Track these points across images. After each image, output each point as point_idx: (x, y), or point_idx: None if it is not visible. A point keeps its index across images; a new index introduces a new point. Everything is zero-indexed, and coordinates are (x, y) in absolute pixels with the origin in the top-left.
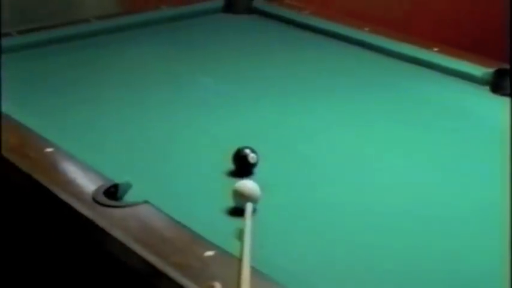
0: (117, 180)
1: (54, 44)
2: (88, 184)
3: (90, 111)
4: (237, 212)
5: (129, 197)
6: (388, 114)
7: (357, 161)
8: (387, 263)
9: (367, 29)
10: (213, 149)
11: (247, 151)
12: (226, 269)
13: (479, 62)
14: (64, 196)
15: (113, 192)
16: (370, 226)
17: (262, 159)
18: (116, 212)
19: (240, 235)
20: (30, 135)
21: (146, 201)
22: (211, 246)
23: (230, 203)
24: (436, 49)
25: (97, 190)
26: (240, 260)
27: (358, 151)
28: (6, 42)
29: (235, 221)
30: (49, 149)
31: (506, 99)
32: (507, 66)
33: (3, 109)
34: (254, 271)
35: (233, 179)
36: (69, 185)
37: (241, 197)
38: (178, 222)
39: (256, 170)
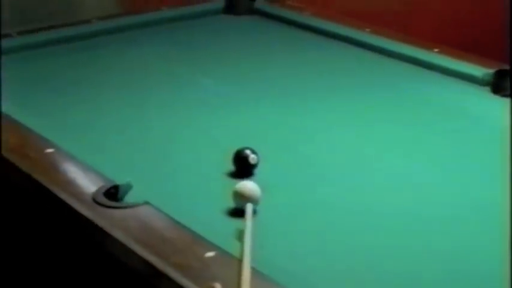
0: (118, 180)
1: (55, 44)
2: (88, 185)
3: (91, 111)
4: (238, 212)
5: (129, 198)
6: (388, 114)
7: (357, 161)
8: (387, 263)
9: (367, 29)
10: (214, 150)
11: (248, 152)
12: (227, 269)
13: (479, 62)
14: (64, 197)
15: (113, 193)
16: (370, 226)
17: (263, 160)
18: (116, 213)
19: (240, 236)
20: (31, 136)
21: (146, 202)
22: (211, 246)
23: (230, 203)
24: (436, 50)
25: (97, 191)
26: (240, 261)
27: (359, 151)
28: (6, 43)
29: (235, 222)
30: (49, 150)
31: (507, 100)
32: (507, 67)
33: (4, 109)
34: (254, 272)
35: (233, 180)
36: (70, 185)
37: (241, 198)
38: (179, 223)
39: (256, 170)
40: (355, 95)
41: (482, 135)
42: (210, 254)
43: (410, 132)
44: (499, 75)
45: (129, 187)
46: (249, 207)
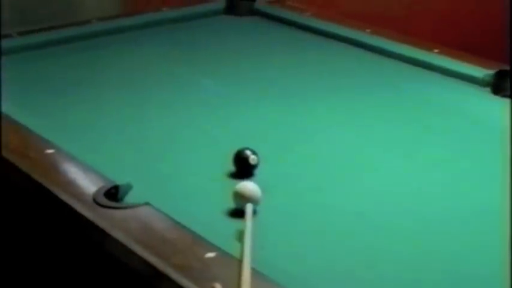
0: (118, 181)
1: (55, 45)
2: (89, 185)
3: (91, 112)
4: (238, 213)
5: (129, 199)
6: (388, 115)
7: (357, 162)
8: (387, 264)
9: (368, 30)
10: (214, 150)
11: (248, 153)
12: (227, 270)
13: (479, 63)
14: (64, 197)
15: (113, 194)
16: (370, 227)
17: (263, 160)
18: (117, 214)
19: (240, 236)
20: (31, 136)
21: (147, 203)
22: (212, 247)
23: (231, 204)
24: (436, 50)
25: (98, 191)
26: (240, 261)
27: (359, 152)
28: (6, 43)
29: (235, 222)
30: (49, 150)
31: (507, 101)
32: (508, 67)
33: (4, 110)
34: (254, 272)
35: (234, 181)
36: (70, 186)
37: (241, 199)
38: (179, 224)
39: (256, 171)
40: (355, 96)
41: (482, 136)
42: (211, 254)
43: (411, 133)
44: (499, 75)
45: (129, 187)
46: (249, 208)
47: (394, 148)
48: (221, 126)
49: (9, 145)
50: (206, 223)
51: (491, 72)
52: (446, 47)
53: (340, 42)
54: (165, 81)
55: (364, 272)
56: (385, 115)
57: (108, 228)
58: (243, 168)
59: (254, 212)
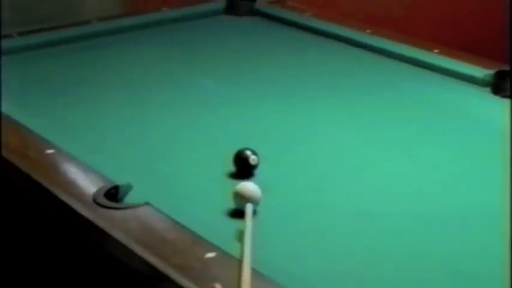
0: (118, 181)
1: (55, 45)
2: (89, 186)
3: (91, 112)
4: (238, 213)
5: (129, 199)
6: (388, 115)
7: (357, 162)
8: (387, 265)
9: (368, 30)
10: (214, 150)
11: (248, 153)
12: (227, 270)
13: (479, 63)
14: (65, 197)
15: (113, 194)
16: (370, 227)
17: (263, 160)
18: (117, 214)
19: (240, 236)
20: (31, 136)
21: (147, 203)
22: (212, 247)
23: (231, 204)
24: (436, 51)
25: (98, 192)
26: (240, 262)
27: (359, 152)
28: (6, 43)
29: (235, 223)
30: (50, 150)
31: (507, 101)
32: (508, 67)
33: (4, 110)
34: (254, 272)
35: (234, 181)
36: (70, 186)
37: (241, 199)
38: (179, 224)
39: (256, 171)
40: (355, 96)
41: (482, 136)
42: (211, 254)
43: (411, 133)
44: (499, 76)
45: (129, 187)
46: (249, 208)
47: (394, 148)
48: (221, 127)
49: (9, 145)
50: (206, 223)
51: (491, 72)
52: (446, 47)
53: (341, 43)
54: (165, 81)
55: (364, 271)
56: (385, 115)
57: (108, 229)
58: (243, 168)
59: (254, 212)
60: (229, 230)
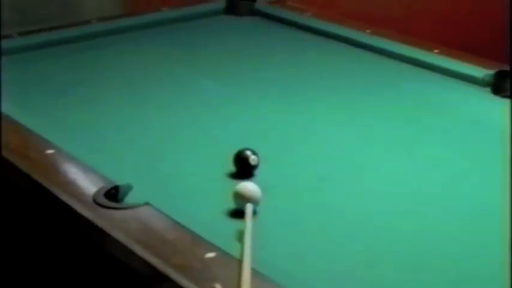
0: (118, 181)
1: (55, 45)
2: (89, 186)
3: (91, 112)
4: (238, 213)
5: (129, 199)
6: (388, 115)
7: (357, 162)
8: (387, 265)
9: (368, 30)
10: (214, 150)
11: (248, 153)
12: (227, 270)
13: (479, 63)
14: (65, 198)
15: (113, 194)
16: (370, 228)
17: (263, 160)
18: (117, 214)
19: (240, 237)
20: (31, 137)
21: (147, 203)
22: (212, 247)
23: (231, 204)
24: (436, 51)
25: (98, 192)
26: (240, 262)
27: (359, 152)
28: (6, 43)
29: (235, 223)
30: (50, 151)
31: (507, 101)
32: (508, 67)
33: (4, 110)
34: (254, 272)
35: (234, 181)
36: (70, 186)
37: (241, 199)
38: (179, 224)
39: (256, 171)
40: (355, 96)
41: (482, 136)
42: (211, 254)
43: (411, 133)
44: (499, 76)
45: (129, 188)
46: (249, 208)
47: (394, 148)
48: (221, 127)
49: (10, 145)
50: (206, 223)
51: (491, 72)
52: (447, 47)
53: (341, 43)
54: (165, 81)
55: (364, 272)
56: (385, 115)
57: (108, 229)
58: (243, 168)
59: (254, 212)
60: (229, 230)
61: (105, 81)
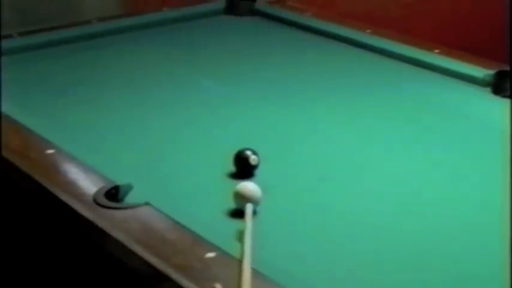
0: (118, 181)
1: (55, 45)
2: (89, 186)
3: (91, 112)
4: (238, 213)
5: (130, 199)
6: (388, 115)
7: (357, 162)
8: (387, 265)
9: (368, 30)
10: (214, 150)
11: (249, 153)
12: (227, 270)
13: (480, 63)
14: (65, 198)
15: (113, 194)
16: (370, 228)
17: (263, 160)
18: (117, 214)
19: (240, 237)
20: (31, 137)
21: (147, 203)
22: (212, 247)
23: (231, 204)
24: (437, 51)
25: (98, 192)
26: (240, 262)
27: (359, 152)
28: (7, 43)
29: (236, 223)
30: (50, 151)
31: (507, 101)
32: (508, 67)
33: (4, 110)
34: (255, 272)
35: (234, 181)
36: (70, 186)
37: (242, 199)
38: (179, 224)
39: (257, 171)
40: (355, 96)
41: (482, 136)
42: (211, 254)
43: (411, 133)
44: (500, 76)
45: (129, 187)
46: (249, 208)
47: (394, 148)
48: (221, 126)
49: (10, 145)
50: (206, 223)
51: (491, 72)
52: (447, 47)
53: (341, 43)
54: (165, 81)
55: (364, 272)
56: (386, 115)
57: (109, 229)
58: (243, 168)
59: (254, 212)
60: (230, 230)
61: (105, 81)
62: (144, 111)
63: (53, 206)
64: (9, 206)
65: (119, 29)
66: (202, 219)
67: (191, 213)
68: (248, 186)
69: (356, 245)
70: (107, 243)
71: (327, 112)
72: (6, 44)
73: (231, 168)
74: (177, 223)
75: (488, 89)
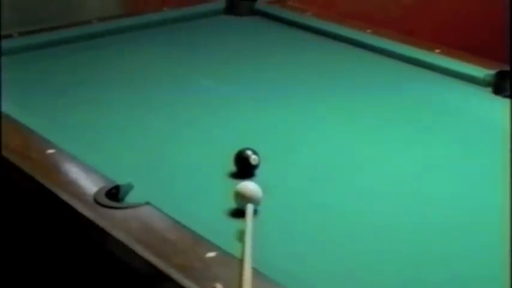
0: (119, 181)
1: (56, 45)
2: (90, 185)
3: (92, 112)
4: (238, 213)
5: (130, 198)
6: (389, 115)
7: (358, 162)
8: (388, 265)
9: (369, 30)
10: (215, 150)
11: (249, 153)
12: (228, 270)
13: (480, 63)
14: (65, 197)
15: (114, 194)
16: (371, 228)
17: (264, 160)
18: (118, 214)
19: (241, 236)
20: (32, 137)
21: (148, 203)
22: (212, 247)
23: (231, 204)
24: (437, 51)
25: (98, 191)
26: (241, 261)
27: (360, 152)
28: (7, 43)
29: (236, 222)
30: (51, 150)
31: (508, 101)
32: (508, 67)
33: (5, 110)
34: (255, 272)
35: (235, 181)
36: (71, 186)
37: (242, 199)
38: (180, 223)
39: (257, 171)
40: (356, 96)
41: (483, 136)
42: (211, 254)
43: (411, 133)
44: (500, 76)
45: (130, 187)
46: (249, 208)
47: (394, 148)
48: (221, 126)
49: (10, 145)
50: (207, 223)
51: (492, 72)
52: (447, 47)
53: (341, 43)
54: (166, 81)
55: (364, 272)
56: (386, 115)
57: (109, 228)
58: (244, 168)
59: (255, 212)
60: (230, 230)
61: (105, 81)
62: (144, 111)
63: (54, 206)
64: (9, 206)
65: (119, 29)
66: (203, 218)
67: (192, 212)
68: (249, 186)
69: (356, 245)
70: (108, 242)
71: (327, 112)
72: (6, 44)
73: (232, 168)
74: (178, 223)
75: (489, 89)
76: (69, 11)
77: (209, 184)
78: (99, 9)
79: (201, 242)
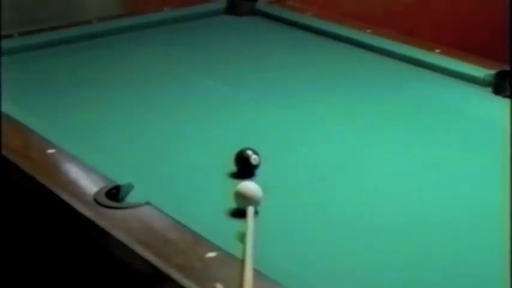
0: (119, 181)
1: (56, 45)
2: (90, 185)
3: (92, 112)
4: (239, 213)
5: (130, 198)
6: (389, 115)
7: (358, 162)
8: (388, 265)
9: (369, 30)
10: (215, 150)
11: (250, 153)
12: (228, 270)
13: (480, 63)
14: (66, 197)
15: (114, 194)
16: (371, 228)
17: (264, 160)
18: (118, 214)
19: (241, 236)
20: (32, 137)
21: (148, 203)
22: (213, 247)
23: (232, 204)
24: (437, 51)
25: (99, 191)
26: (242, 261)
27: (360, 153)
28: (7, 43)
29: (237, 223)
30: (51, 150)
31: (508, 101)
32: (508, 67)
33: (5, 110)
34: (256, 272)
35: (235, 181)
36: (71, 186)
37: (243, 199)
38: (180, 224)
39: (258, 171)
40: (356, 96)
41: (483, 136)
42: (212, 254)
43: (411, 133)
44: (500, 76)
45: (130, 187)
46: (250, 208)
47: (394, 148)
48: (222, 126)
49: (10, 145)
50: (207, 223)
51: (492, 72)
52: (447, 47)
53: (341, 43)
54: (166, 81)
55: (364, 272)
56: (386, 115)
57: (109, 228)
58: (244, 168)
59: (255, 212)
60: (231, 230)
61: (105, 81)
62: (144, 111)
63: (54, 206)
64: (10, 206)
65: (119, 29)
66: (203, 218)
67: (192, 212)
68: (249, 186)
69: (357, 245)
70: (108, 242)
71: (327, 112)
72: (6, 44)
73: (232, 168)
74: (178, 223)
75: (489, 89)
76: (69, 11)
77: (209, 184)
78: (99, 9)
79: (201, 242)
